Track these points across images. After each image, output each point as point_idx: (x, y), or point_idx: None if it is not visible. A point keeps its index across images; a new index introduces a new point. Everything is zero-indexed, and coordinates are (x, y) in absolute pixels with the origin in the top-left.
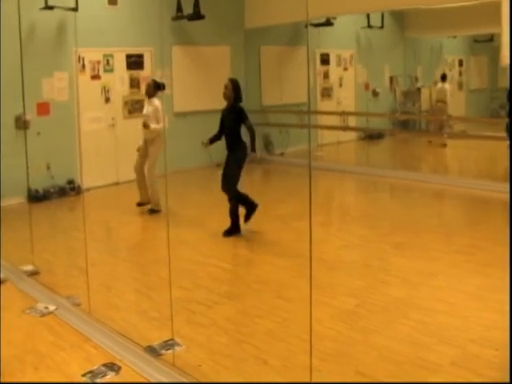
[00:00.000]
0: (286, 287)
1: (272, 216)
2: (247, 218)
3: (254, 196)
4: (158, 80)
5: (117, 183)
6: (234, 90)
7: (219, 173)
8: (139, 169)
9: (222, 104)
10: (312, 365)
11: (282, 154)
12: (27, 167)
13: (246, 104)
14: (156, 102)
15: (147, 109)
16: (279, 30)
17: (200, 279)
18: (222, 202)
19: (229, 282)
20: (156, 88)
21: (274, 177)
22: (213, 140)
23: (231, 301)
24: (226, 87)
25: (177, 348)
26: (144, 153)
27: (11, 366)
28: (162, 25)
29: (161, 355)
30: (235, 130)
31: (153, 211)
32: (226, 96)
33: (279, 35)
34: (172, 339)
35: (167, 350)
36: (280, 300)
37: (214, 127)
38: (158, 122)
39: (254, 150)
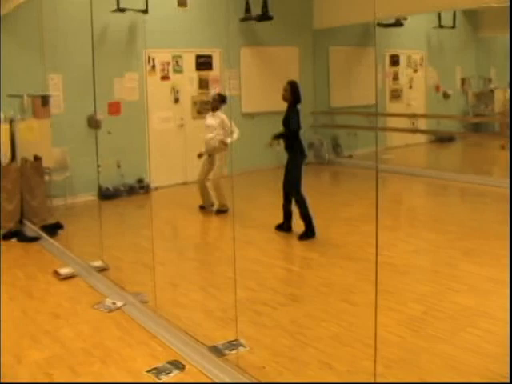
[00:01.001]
0: (352, 291)
1: (339, 219)
2: (303, 237)
3: (322, 198)
4: (222, 93)
5: (185, 183)
6: (292, 93)
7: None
8: (203, 180)
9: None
10: (376, 371)
11: (350, 157)
12: (98, 165)
13: (314, 105)
14: (222, 115)
15: (211, 121)
16: (348, 30)
17: (266, 280)
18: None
19: (295, 284)
20: (221, 101)
21: (342, 179)
22: (278, 137)
23: (297, 303)
24: (284, 89)
25: (241, 349)
26: (209, 167)
27: (79, 358)
28: (230, 26)
29: (225, 355)
30: (293, 131)
31: (220, 211)
32: (284, 98)
33: (348, 36)
34: (236, 340)
35: (231, 350)
36: (346, 304)
37: (281, 127)
38: (225, 134)
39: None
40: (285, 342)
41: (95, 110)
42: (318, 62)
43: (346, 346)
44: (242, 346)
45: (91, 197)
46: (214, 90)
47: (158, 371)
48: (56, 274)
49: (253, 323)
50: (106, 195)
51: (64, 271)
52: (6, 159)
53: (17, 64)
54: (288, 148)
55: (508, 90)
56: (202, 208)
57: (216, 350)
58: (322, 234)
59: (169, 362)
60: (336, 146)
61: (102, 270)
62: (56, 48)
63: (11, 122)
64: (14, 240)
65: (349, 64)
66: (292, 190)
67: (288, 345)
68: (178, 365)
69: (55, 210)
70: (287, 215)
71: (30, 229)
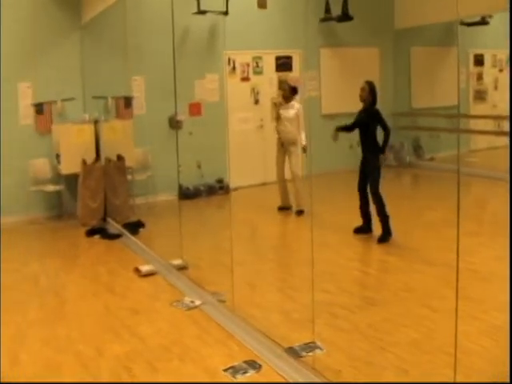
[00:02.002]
0: (432, 297)
1: (420, 222)
2: (382, 240)
3: (402, 201)
4: (292, 84)
5: (264, 184)
6: (370, 93)
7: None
8: (282, 177)
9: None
10: (456, 380)
11: (431, 159)
12: (178, 165)
13: (394, 107)
14: (297, 104)
15: (288, 112)
16: (431, 30)
17: (343, 283)
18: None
19: (373, 288)
20: (292, 91)
21: (423, 182)
22: (343, 129)
23: (375, 307)
24: (362, 89)
25: (317, 351)
26: (282, 159)
27: (157, 354)
28: (309, 27)
29: (301, 357)
30: (371, 132)
31: (300, 212)
32: (362, 98)
33: (431, 35)
34: (313, 342)
35: (308, 352)
36: (425, 310)
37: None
38: (298, 125)
39: (383, 151)
40: (362, 346)
41: (176, 111)
42: (398, 63)
43: (424, 353)
44: (319, 348)
45: (172, 196)
46: (286, 84)
47: (234, 370)
48: (137, 271)
49: (329, 326)
50: (186, 195)
51: (145, 268)
52: (90, 159)
53: (101, 67)
54: (366, 150)
55: None
56: (280, 209)
57: (292, 352)
58: (402, 238)
59: (245, 362)
60: (417, 148)
61: (181, 268)
62: (139, 50)
63: (96, 122)
64: (97, 237)
65: (431, 64)
66: (371, 190)
67: (365, 349)
68: (254, 365)
69: (137, 208)
70: (366, 216)
71: (113, 226)
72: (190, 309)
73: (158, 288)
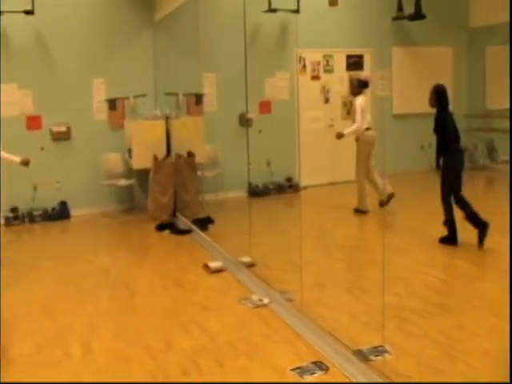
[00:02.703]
0: (507, 306)
1: (496, 229)
2: (444, 241)
3: (476, 206)
4: (362, 78)
5: (333, 183)
6: (436, 98)
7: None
8: (366, 178)
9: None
10: None
11: (507, 162)
12: (248, 163)
13: (468, 108)
14: (358, 100)
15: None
16: (507, 28)
17: (414, 287)
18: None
19: (445, 294)
20: (360, 86)
21: (497, 185)
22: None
23: (446, 313)
24: (430, 94)
25: (386, 355)
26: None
27: (225, 350)
28: (381, 25)
29: (369, 360)
30: (441, 136)
31: (358, 211)
32: (429, 104)
33: (508, 34)
34: (382, 346)
35: (376, 356)
36: (500, 320)
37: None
38: (354, 121)
39: (437, 165)
40: (432, 353)
41: (247, 109)
42: (472, 62)
43: (498, 364)
44: (388, 352)
45: (240, 193)
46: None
47: (302, 371)
48: (206, 267)
49: (399, 330)
50: (255, 192)
51: (214, 265)
52: (161, 154)
53: (173, 64)
54: (439, 153)
55: None
56: (357, 211)
57: (361, 355)
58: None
59: (313, 363)
60: (491, 151)
61: (249, 265)
62: (210, 48)
63: (167, 118)
64: (166, 232)
65: (507, 64)
66: (454, 194)
67: (436, 356)
68: (321, 366)
69: (206, 204)
70: (451, 226)
71: (183, 222)
72: (257, 307)
73: (227, 285)
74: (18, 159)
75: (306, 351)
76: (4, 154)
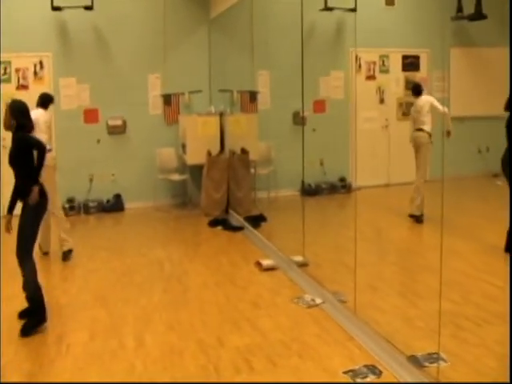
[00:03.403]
0: None
1: None
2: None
3: None
4: (417, 81)
5: (387, 185)
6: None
7: (497, 183)
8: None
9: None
10: None
11: None
12: (303, 162)
13: None
14: (426, 97)
15: (415, 107)
16: None
17: (470, 294)
18: (502, 215)
19: (503, 302)
20: (415, 89)
21: None
22: None
23: (504, 323)
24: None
25: (441, 363)
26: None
27: (277, 349)
28: (439, 25)
29: (424, 367)
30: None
31: (412, 216)
32: (505, 107)
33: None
34: (436, 353)
35: (431, 363)
36: None
37: (493, 134)
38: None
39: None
40: (489, 363)
41: (303, 107)
42: None
43: None
44: (443, 360)
45: (292, 192)
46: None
47: (354, 374)
48: (258, 264)
49: (454, 338)
50: (307, 191)
51: (266, 263)
52: (215, 150)
53: (228, 60)
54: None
55: None
56: (411, 217)
57: (415, 361)
58: None
59: (365, 366)
60: None
61: (302, 265)
62: (265, 45)
63: (221, 115)
64: (219, 228)
65: None
66: None
67: (493, 366)
68: (374, 370)
69: (258, 202)
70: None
71: (235, 218)
72: (310, 306)
73: (279, 283)
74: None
75: (359, 354)
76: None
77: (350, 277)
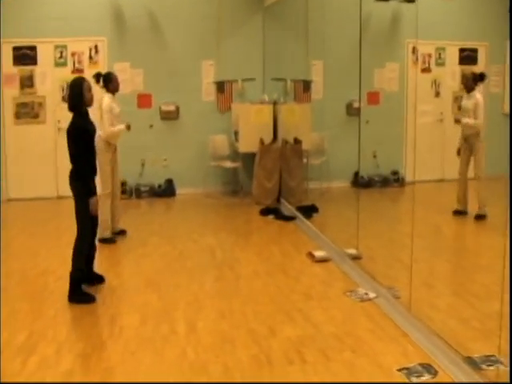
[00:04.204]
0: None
1: None
2: None
3: None
4: (477, 71)
5: (441, 180)
6: None
7: None
8: (464, 176)
9: None
10: None
11: None
12: (359, 153)
13: None
14: (477, 95)
15: (466, 103)
16: None
17: None
18: None
19: None
20: (475, 80)
21: None
22: None
23: None
24: None
25: (500, 366)
26: (467, 154)
27: (330, 342)
28: (498, 18)
29: (482, 370)
30: None
31: (481, 217)
32: None
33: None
34: (494, 355)
35: (488, 365)
36: None
37: None
38: (476, 117)
39: None
40: None
41: (360, 99)
42: None
43: None
44: (501, 363)
45: (344, 183)
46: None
47: (409, 372)
48: (310, 255)
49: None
50: (360, 184)
51: (318, 254)
52: (267, 139)
53: (282, 49)
54: None
55: None
56: (456, 213)
57: (472, 362)
58: None
59: (420, 365)
60: None
61: (355, 258)
62: (319, 35)
63: (274, 103)
64: (271, 217)
65: None
66: None
67: None
68: (429, 369)
69: (310, 192)
70: None
71: (286, 208)
72: (363, 300)
73: (331, 275)
74: (122, 126)
75: (413, 351)
76: (113, 129)
77: (404, 272)
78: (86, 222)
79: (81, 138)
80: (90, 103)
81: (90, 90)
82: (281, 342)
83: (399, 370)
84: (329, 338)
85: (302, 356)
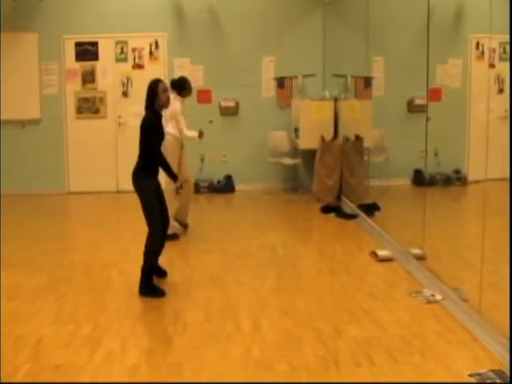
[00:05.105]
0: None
1: None
2: None
3: None
4: None
5: (505, 179)
6: None
7: None
8: None
9: None
10: None
11: None
12: (426, 150)
13: None
14: None
15: None
16: None
17: None
18: None
19: None
20: None
21: None
22: None
23: None
24: None
25: None
26: None
27: (397, 344)
28: None
29: None
30: None
31: None
32: None
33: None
34: None
35: None
36: None
37: None
38: None
39: None
40: None
41: (427, 96)
42: None
43: None
44: None
45: (405, 181)
46: None
47: (481, 377)
48: (373, 254)
49: None
50: (421, 182)
51: (382, 253)
52: (328, 136)
53: (343, 45)
54: None
55: None
56: None
57: None
58: None
59: (493, 371)
60: None
61: (419, 258)
62: (381, 30)
63: (335, 100)
64: (332, 214)
65: None
66: None
67: None
68: (502, 375)
69: (371, 190)
70: None
71: (347, 206)
72: (429, 302)
73: (396, 275)
74: (195, 134)
75: (484, 357)
76: (187, 132)
77: (472, 274)
78: (156, 219)
79: (156, 133)
80: (165, 104)
81: (165, 91)
82: (347, 343)
83: (471, 376)
84: (396, 340)
85: (369, 358)
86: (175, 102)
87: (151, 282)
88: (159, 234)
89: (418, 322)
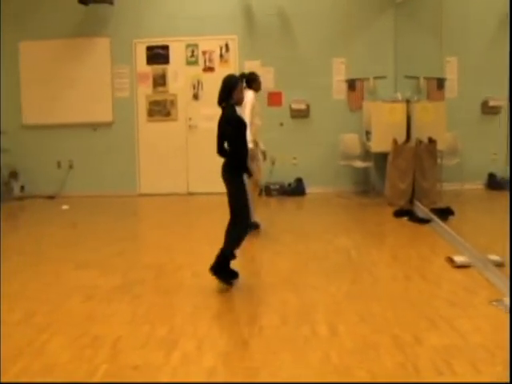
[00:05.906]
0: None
1: None
2: None
3: None
4: None
5: None
6: None
7: None
8: None
9: None
10: None
11: None
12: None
13: None
14: None
15: None
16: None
17: None
18: None
19: None
20: None
21: None
22: None
23: None
24: None
25: None
26: None
27: (479, 354)
28: None
29: None
30: None
31: None
32: None
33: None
34: None
35: None
36: None
37: None
38: None
39: None
40: None
41: (511, 98)
42: None
43: None
44: None
45: (477, 185)
46: None
47: None
48: (450, 260)
49: None
50: (495, 185)
51: (459, 259)
52: (401, 139)
53: (414, 46)
54: None
55: None
56: None
57: None
58: None
59: None
60: None
61: (498, 265)
62: (454, 31)
63: (407, 102)
64: (405, 219)
65: None
66: None
67: None
68: None
69: (444, 194)
70: None
71: (420, 210)
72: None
73: (474, 282)
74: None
75: None
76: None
77: None
78: (247, 211)
79: (242, 127)
80: (240, 102)
81: (242, 91)
82: (427, 351)
83: None
84: (477, 349)
85: (450, 367)
86: (248, 93)
87: (228, 267)
88: (247, 225)
89: (499, 332)
